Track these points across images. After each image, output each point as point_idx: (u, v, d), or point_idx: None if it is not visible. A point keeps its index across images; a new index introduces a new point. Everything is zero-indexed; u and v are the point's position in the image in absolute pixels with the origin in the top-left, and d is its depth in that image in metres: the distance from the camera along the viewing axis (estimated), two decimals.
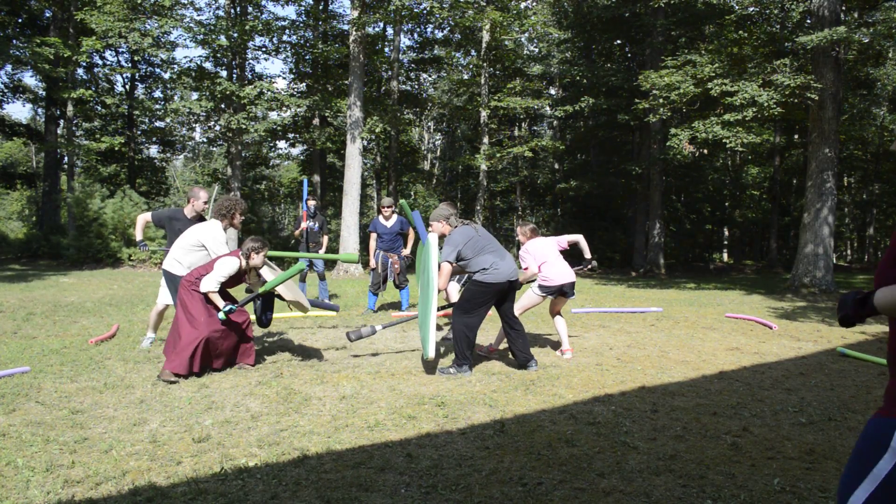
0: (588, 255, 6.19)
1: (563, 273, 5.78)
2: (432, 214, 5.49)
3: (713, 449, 3.44)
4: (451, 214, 5.44)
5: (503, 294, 5.25)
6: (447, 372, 5.11)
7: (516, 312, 5.58)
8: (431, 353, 4.90)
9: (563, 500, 2.78)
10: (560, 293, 5.85)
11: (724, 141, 13.18)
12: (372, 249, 8.70)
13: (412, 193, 29.79)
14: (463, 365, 5.13)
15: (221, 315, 5.02)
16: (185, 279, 5.19)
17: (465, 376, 5.05)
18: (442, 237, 5.44)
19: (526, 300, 5.90)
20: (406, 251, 8.77)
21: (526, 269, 5.85)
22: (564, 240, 6.07)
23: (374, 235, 8.76)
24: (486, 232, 5.43)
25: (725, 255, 35.83)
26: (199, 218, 6.25)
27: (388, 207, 8.70)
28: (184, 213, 6.14)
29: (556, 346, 6.54)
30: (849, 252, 38.00)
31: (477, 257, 5.17)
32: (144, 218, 6.32)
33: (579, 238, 6.09)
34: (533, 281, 5.97)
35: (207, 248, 5.55)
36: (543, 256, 5.80)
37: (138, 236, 6.36)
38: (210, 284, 5.03)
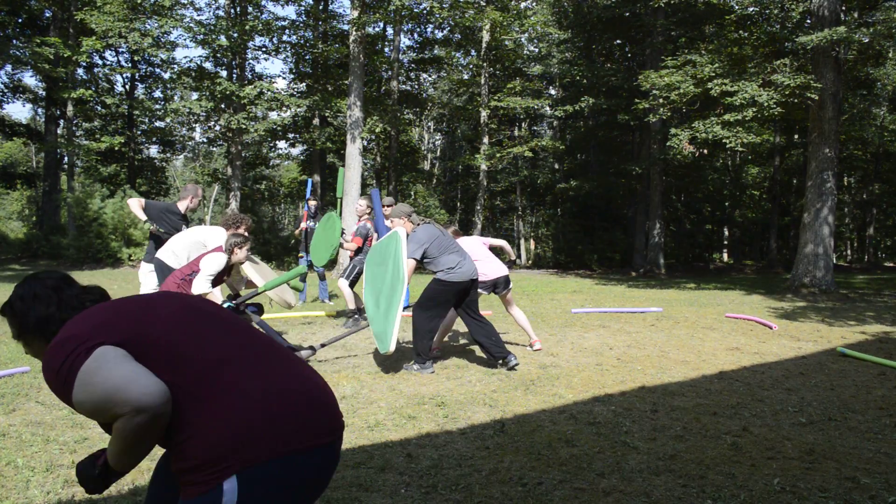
0: (512, 256, 6.45)
1: (496, 268, 5.94)
2: (393, 211, 5.55)
3: (713, 449, 3.44)
4: (413, 212, 5.52)
5: (465, 293, 5.30)
6: (410, 368, 5.16)
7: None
8: (392, 348, 4.88)
9: (563, 500, 2.78)
10: (493, 288, 5.97)
11: (724, 141, 13.18)
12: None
13: (412, 193, 29.78)
14: (426, 362, 5.16)
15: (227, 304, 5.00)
16: (172, 280, 5.05)
17: (426, 373, 5.08)
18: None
19: None
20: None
21: None
22: (488, 241, 6.27)
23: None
24: (447, 231, 5.52)
25: (725, 255, 35.81)
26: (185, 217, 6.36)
27: (388, 207, 8.70)
28: (178, 207, 6.12)
29: (554, 345, 6.54)
30: (849, 252, 38.00)
31: (442, 256, 5.21)
32: (139, 202, 6.10)
33: (503, 243, 6.37)
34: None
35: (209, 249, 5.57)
36: (474, 255, 5.91)
37: (143, 216, 6.08)
38: (203, 285, 4.92)
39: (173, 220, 6.06)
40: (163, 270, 5.67)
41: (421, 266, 5.30)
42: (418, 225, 5.41)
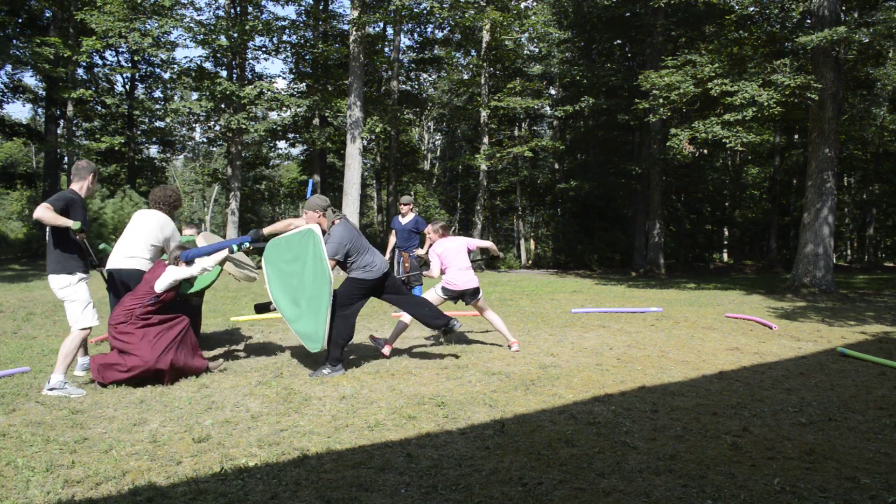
0: (497, 254, 6.44)
1: (467, 280, 5.96)
2: (307, 203, 5.28)
3: (713, 449, 3.43)
4: (329, 206, 5.30)
5: (379, 287, 5.32)
6: (319, 374, 5.00)
7: None
8: (325, 345, 4.87)
9: (563, 500, 2.78)
10: (459, 298, 6.02)
11: (724, 141, 13.18)
12: (389, 246, 8.83)
13: (412, 193, 29.82)
14: (337, 364, 5.11)
15: (234, 247, 5.03)
16: (129, 306, 4.63)
17: (337, 374, 5.04)
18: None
19: (428, 298, 5.95)
20: (420, 251, 8.54)
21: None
22: (475, 243, 6.26)
23: (393, 232, 8.86)
24: (356, 226, 5.47)
25: (725, 255, 35.82)
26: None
27: (405, 205, 8.75)
28: (79, 194, 4.74)
29: (554, 345, 6.54)
30: (849, 252, 38.01)
31: (361, 255, 5.20)
32: (47, 206, 4.39)
33: (489, 244, 6.38)
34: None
35: (173, 241, 5.15)
36: (450, 261, 5.96)
37: (68, 221, 4.44)
38: (165, 283, 4.68)
39: (79, 212, 4.61)
40: (139, 279, 4.93)
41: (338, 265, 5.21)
42: (333, 223, 5.23)
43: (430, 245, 6.24)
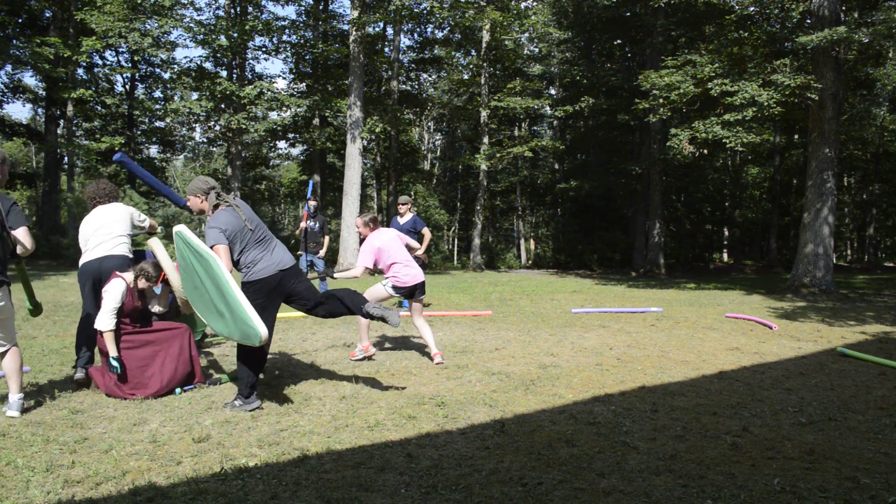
0: (421, 253, 6.25)
1: (415, 274, 5.65)
2: (189, 186, 4.36)
3: (713, 449, 3.43)
4: (213, 189, 4.30)
5: (283, 287, 4.22)
6: (231, 406, 4.13)
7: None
8: (263, 332, 3.79)
9: (563, 500, 2.78)
10: (411, 294, 5.72)
11: (724, 141, 13.18)
12: None
13: (412, 193, 29.81)
14: (250, 396, 4.15)
15: (113, 363, 4.31)
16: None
17: (250, 408, 4.10)
18: (200, 214, 4.43)
19: (375, 293, 5.64)
20: (419, 251, 8.42)
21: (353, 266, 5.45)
22: (404, 238, 5.90)
23: None
24: (252, 214, 4.33)
25: (725, 255, 35.84)
26: None
27: (403, 205, 8.75)
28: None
29: (554, 345, 6.54)
30: (849, 252, 38.01)
31: (244, 252, 4.17)
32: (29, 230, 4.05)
33: (417, 246, 6.12)
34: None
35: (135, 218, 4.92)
36: (394, 257, 5.62)
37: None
38: (105, 321, 4.32)
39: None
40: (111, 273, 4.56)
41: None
42: (217, 206, 4.25)
43: (362, 240, 5.77)
